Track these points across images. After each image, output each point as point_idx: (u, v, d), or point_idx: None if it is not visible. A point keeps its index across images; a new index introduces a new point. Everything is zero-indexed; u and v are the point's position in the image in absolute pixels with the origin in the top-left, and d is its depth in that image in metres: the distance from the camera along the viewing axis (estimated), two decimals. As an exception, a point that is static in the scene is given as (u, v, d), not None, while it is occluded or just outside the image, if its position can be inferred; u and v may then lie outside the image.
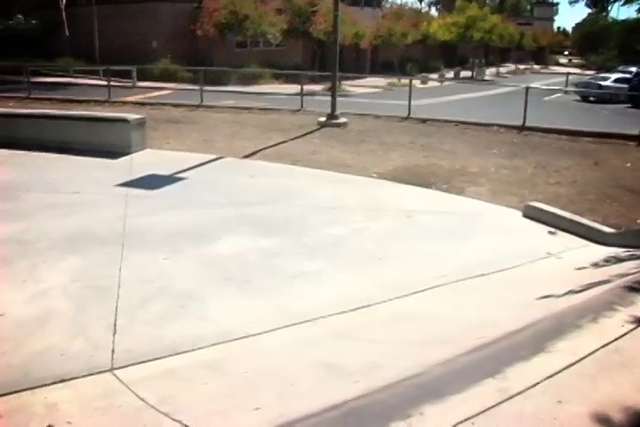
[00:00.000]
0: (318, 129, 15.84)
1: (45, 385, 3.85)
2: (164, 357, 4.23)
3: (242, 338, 4.49)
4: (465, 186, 9.82)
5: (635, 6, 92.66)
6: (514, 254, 6.63)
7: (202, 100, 21.22)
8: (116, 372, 4.02)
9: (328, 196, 8.88)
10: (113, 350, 4.28)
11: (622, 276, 5.68)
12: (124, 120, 11.66)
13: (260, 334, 4.57)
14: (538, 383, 3.58)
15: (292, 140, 14.07)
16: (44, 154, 10.69)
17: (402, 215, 7.97)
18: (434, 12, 78.40)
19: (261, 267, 6.03)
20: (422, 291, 5.52)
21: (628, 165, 12.64)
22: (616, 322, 4.51)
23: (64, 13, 37.95)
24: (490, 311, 5.08)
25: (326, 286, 5.59)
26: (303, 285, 5.61)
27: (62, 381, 3.90)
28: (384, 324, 4.84)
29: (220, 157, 11.30)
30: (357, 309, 5.06)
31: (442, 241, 7.04)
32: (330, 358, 4.19)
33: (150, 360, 4.18)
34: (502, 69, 57.47)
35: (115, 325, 4.67)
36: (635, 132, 16.33)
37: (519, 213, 8.23)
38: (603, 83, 33.43)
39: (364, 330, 4.70)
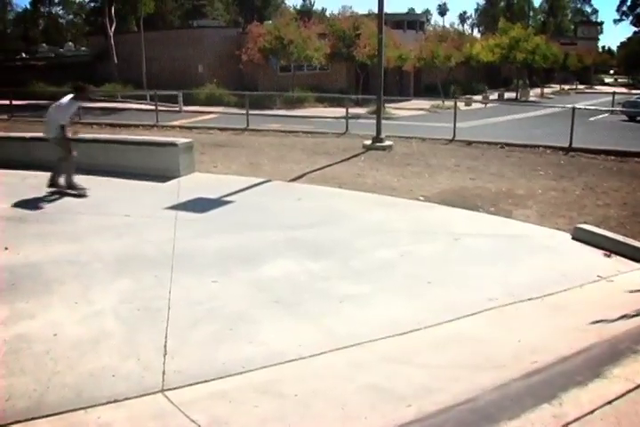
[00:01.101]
0: (364, 152, 15.86)
1: (98, 405, 3.90)
2: (215, 379, 4.25)
3: (292, 361, 4.49)
4: (512, 208, 9.72)
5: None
6: (564, 278, 6.51)
7: (247, 124, 21.49)
8: (166, 393, 4.05)
9: (375, 219, 8.87)
10: (164, 372, 4.31)
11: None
12: (173, 144, 11.84)
13: (310, 356, 4.56)
14: (595, 410, 3.51)
15: (338, 163, 14.12)
16: (94, 177, 10.88)
17: (450, 238, 7.91)
18: (476, 33, 78.62)
19: (310, 290, 6.03)
20: (472, 314, 5.46)
21: (681, 186, 12.38)
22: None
23: (112, 40, 38.95)
24: (541, 336, 5.00)
25: (376, 310, 5.57)
26: (352, 308, 5.59)
27: (115, 401, 3.94)
28: (434, 348, 4.80)
29: (267, 181, 11.39)
30: (407, 332, 5.03)
31: (491, 264, 6.96)
32: (381, 381, 4.16)
33: (201, 382, 4.20)
34: (547, 90, 57.03)
35: (165, 346, 4.71)
36: (686, 152, 16.03)
37: (568, 236, 8.10)
38: (651, 102, 32.93)
39: (414, 354, 4.66)
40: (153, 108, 24.76)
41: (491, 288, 6.13)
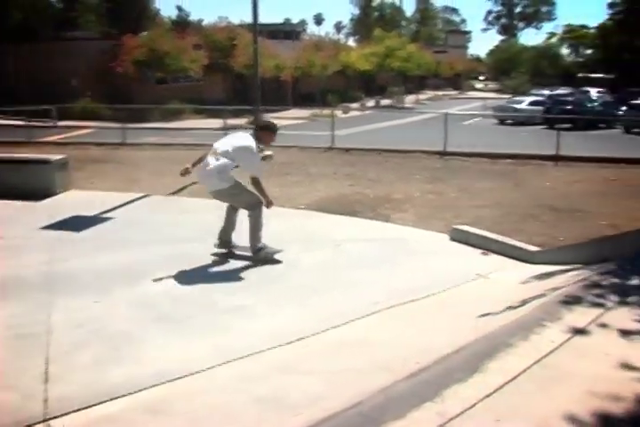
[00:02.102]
0: (244, 162, 15.81)
1: (-24, 442, 3.72)
2: (102, 402, 4.12)
3: (181, 378, 4.42)
4: (391, 213, 9.99)
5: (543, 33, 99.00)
6: (444, 278, 6.75)
7: (124, 138, 21.03)
8: (50, 422, 3.90)
9: (258, 229, 8.87)
10: (46, 400, 4.15)
11: (549, 292, 5.87)
12: (46, 161, 11.45)
13: (199, 372, 4.51)
14: (475, 404, 3.66)
15: (219, 174, 14.03)
16: (-37, 199, 10.40)
17: (332, 245, 8.05)
18: (352, 42, 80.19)
19: (195, 304, 5.98)
20: (357, 319, 5.56)
21: (548, 184, 13.11)
22: (546, 338, 4.66)
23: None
24: (425, 336, 5.16)
25: (262, 321, 5.58)
26: (238, 320, 5.58)
27: (-6, 436, 3.77)
28: (323, 354, 4.86)
29: (146, 195, 11.20)
30: (295, 341, 5.06)
31: (373, 269, 7.12)
32: (271, 392, 4.18)
33: (86, 407, 4.06)
34: (421, 96, 58.94)
35: (46, 373, 4.54)
36: (551, 152, 17.00)
37: (446, 237, 8.41)
38: (518, 106, 34.78)
39: (303, 362, 4.70)
40: (25, 123, 23.82)
41: (375, 292, 6.27)
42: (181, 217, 9.57)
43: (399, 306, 5.90)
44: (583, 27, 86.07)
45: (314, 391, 4.17)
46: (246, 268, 7.12)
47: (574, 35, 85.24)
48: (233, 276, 6.83)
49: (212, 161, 7.21)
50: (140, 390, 4.27)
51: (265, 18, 70.46)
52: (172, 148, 19.58)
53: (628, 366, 4.12)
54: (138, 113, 28.99)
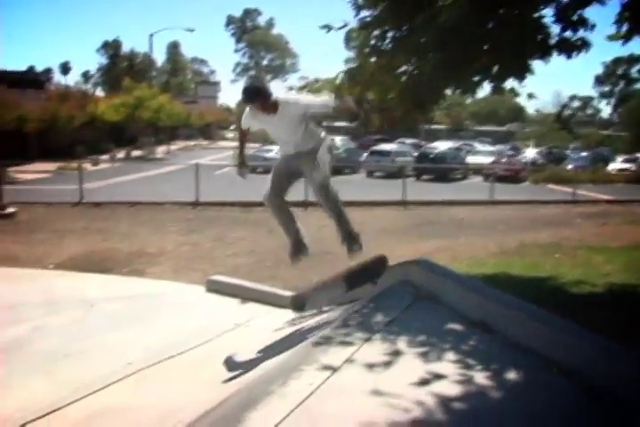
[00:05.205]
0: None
1: None
2: None
3: None
4: (145, 267, 9.83)
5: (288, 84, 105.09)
6: (202, 331, 6.70)
7: None
8: None
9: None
10: None
11: (303, 336, 6.06)
12: None
13: None
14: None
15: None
16: None
17: (85, 306, 7.69)
18: (100, 92, 78.51)
19: None
20: (115, 382, 5.31)
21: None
22: (304, 382, 4.78)
23: None
24: (185, 393, 5.07)
25: (9, 393, 5.15)
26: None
27: None
28: (79, 425, 4.58)
29: None
30: (49, 413, 4.72)
31: (129, 328, 6.89)
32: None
33: None
34: (173, 147, 58.98)
35: None
36: (300, 198, 17.71)
37: (203, 289, 8.40)
38: (267, 155, 35.97)
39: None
40: None
41: (131, 352, 6.05)
42: None
43: (157, 364, 5.73)
44: (317, 80, 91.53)
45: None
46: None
47: (313, 87, 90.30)
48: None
49: None
50: None
51: (5, 64, 67.06)
52: None
53: (379, 395, 4.35)
54: None
